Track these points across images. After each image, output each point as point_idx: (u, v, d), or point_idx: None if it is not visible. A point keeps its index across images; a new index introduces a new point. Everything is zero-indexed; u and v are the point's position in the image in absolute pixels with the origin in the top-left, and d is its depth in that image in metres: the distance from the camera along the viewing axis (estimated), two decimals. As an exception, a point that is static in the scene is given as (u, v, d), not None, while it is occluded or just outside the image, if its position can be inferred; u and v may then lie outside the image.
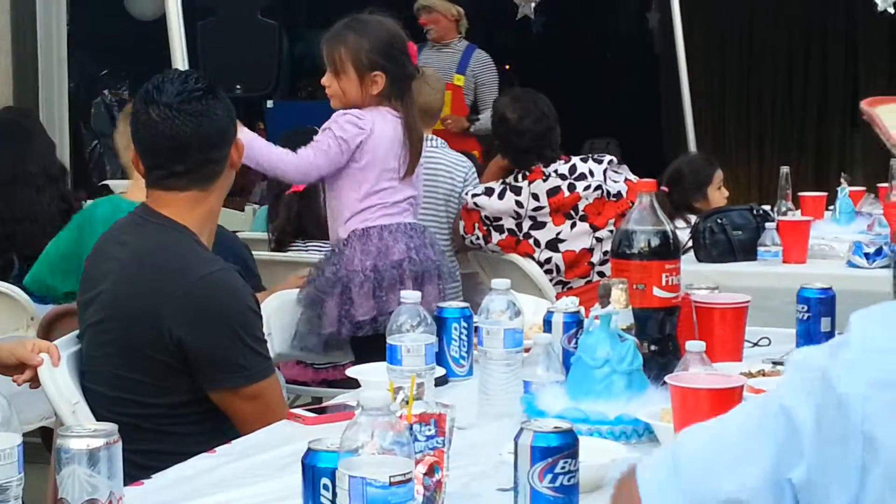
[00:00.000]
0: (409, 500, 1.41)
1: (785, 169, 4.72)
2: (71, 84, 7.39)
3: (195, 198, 2.45)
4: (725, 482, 1.16)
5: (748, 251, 4.26)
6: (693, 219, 4.51)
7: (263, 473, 1.94)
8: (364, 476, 1.37)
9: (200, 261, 2.40)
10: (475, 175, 4.50)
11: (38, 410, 3.29)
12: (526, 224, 4.05)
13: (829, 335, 2.75)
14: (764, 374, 2.43)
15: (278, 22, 8.14)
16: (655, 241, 2.38)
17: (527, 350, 2.35)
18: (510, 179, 4.11)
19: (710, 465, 1.18)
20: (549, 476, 1.59)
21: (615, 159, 4.12)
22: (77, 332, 2.50)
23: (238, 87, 7.83)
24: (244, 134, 2.82)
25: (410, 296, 2.21)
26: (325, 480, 1.50)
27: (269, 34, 8.03)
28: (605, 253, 3.95)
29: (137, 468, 1.86)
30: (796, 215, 4.58)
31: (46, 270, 3.62)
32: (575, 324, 2.44)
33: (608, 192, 4.00)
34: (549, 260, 4.03)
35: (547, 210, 4.04)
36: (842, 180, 4.67)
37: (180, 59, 3.87)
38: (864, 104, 1.35)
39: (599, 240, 3.98)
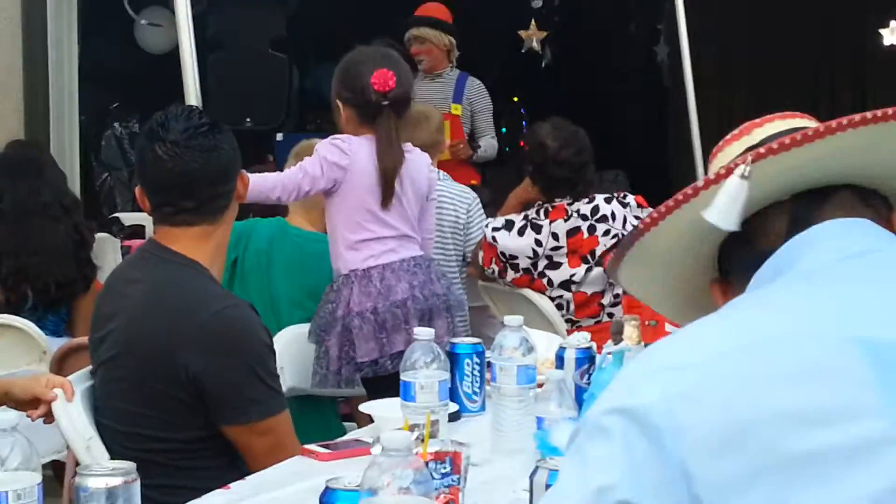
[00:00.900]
0: (427, 539, 1.41)
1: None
2: (81, 117, 7.42)
3: (204, 232, 2.47)
4: None
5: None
6: None
7: (278, 510, 1.94)
8: (383, 516, 1.37)
9: (213, 296, 2.41)
10: (479, 207, 4.48)
11: (51, 444, 3.31)
12: (542, 263, 4.02)
13: None
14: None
15: (288, 55, 8.19)
16: (668, 278, 2.39)
17: (539, 385, 2.36)
18: (532, 214, 4.06)
19: None
20: (565, 514, 1.59)
21: (640, 203, 4.05)
22: (90, 367, 2.51)
23: (248, 120, 7.88)
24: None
25: (424, 332, 2.22)
26: (342, 519, 1.50)
27: (279, 68, 8.08)
28: (615, 295, 3.93)
29: (152, 503, 1.87)
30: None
31: None
32: (587, 359, 2.45)
33: None
34: (560, 297, 4.02)
35: (564, 251, 4.00)
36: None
37: (193, 92, 3.89)
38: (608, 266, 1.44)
39: (612, 283, 3.97)
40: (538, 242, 4.00)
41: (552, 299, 4.04)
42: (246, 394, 2.34)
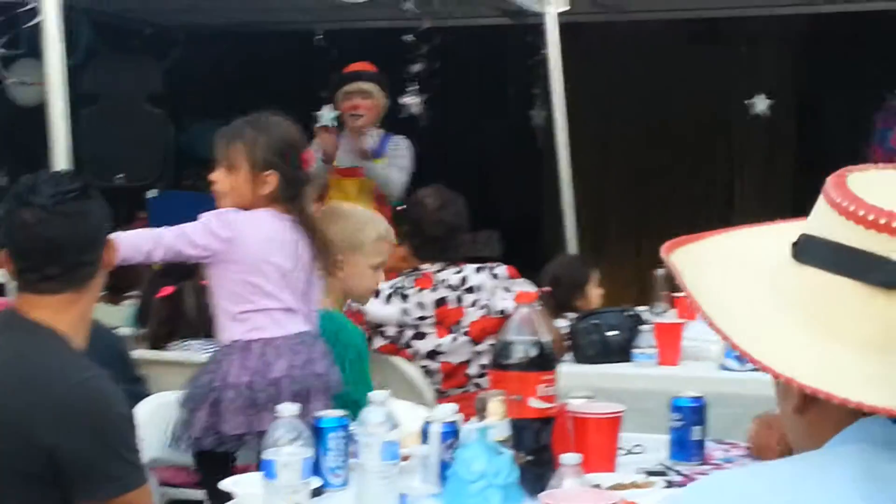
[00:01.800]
0: None
1: (660, 271, 4.81)
2: (-52, 169, 7.26)
3: (68, 300, 2.42)
4: None
5: (623, 352, 4.34)
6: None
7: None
8: None
9: (72, 367, 2.36)
10: None
11: None
12: (408, 333, 4.02)
13: (700, 443, 2.81)
14: (636, 486, 2.47)
15: (164, 110, 8.11)
16: (533, 352, 2.42)
17: (405, 458, 2.36)
18: (399, 282, 4.06)
19: None
20: None
21: (511, 275, 4.06)
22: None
23: (120, 176, 7.76)
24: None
25: (287, 409, 2.20)
26: None
27: (155, 123, 8.00)
28: (482, 366, 3.94)
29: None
30: (672, 316, 4.66)
31: None
32: (452, 434, 2.45)
33: (493, 309, 3.98)
34: (426, 366, 4.02)
35: (432, 321, 4.00)
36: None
37: (62, 147, 3.83)
38: (663, 251, 1.34)
39: (478, 353, 3.98)
40: (404, 311, 4.00)
41: (420, 367, 4.04)
42: (104, 469, 2.29)
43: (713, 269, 1.28)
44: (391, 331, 4.02)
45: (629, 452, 2.84)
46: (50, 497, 2.29)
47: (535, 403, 2.41)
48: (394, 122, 6.49)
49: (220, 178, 3.32)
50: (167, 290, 4.01)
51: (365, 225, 3.72)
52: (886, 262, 1.14)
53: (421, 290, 4.00)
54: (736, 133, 9.87)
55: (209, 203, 3.39)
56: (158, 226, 3.40)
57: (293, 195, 3.31)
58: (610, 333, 4.31)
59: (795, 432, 1.26)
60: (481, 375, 3.94)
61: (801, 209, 1.35)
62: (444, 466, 2.34)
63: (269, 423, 3.05)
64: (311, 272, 3.36)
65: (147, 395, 3.42)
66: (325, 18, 8.14)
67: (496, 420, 2.28)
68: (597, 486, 2.42)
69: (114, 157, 7.77)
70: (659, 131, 10.08)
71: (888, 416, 1.15)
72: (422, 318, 3.99)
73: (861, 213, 1.16)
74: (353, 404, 3.17)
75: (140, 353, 4.06)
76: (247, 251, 3.25)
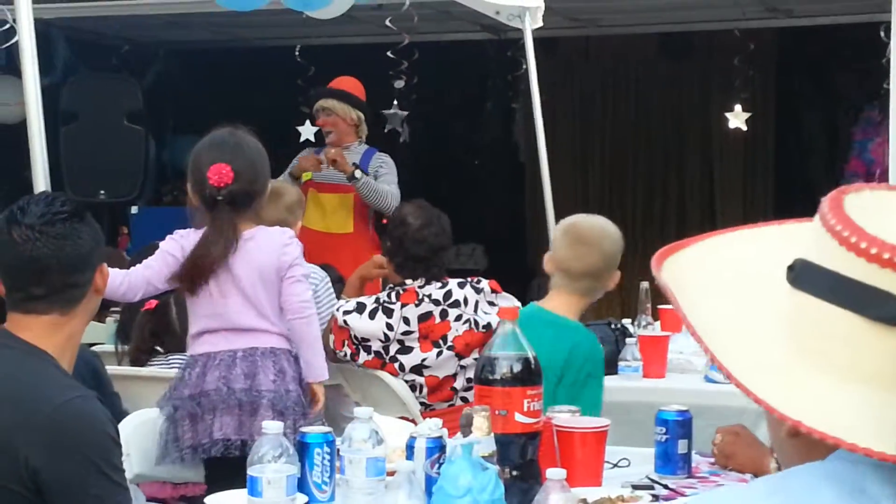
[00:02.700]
0: None
1: (644, 284, 4.82)
2: (-74, 187, 7.23)
3: (56, 322, 2.41)
4: None
5: (609, 365, 4.33)
6: None
7: None
8: None
9: (58, 388, 2.35)
10: (328, 286, 4.44)
11: None
12: (393, 348, 4.01)
13: (686, 457, 2.82)
14: (623, 500, 2.47)
15: (144, 127, 8.11)
16: (518, 367, 2.42)
17: (391, 474, 2.36)
18: (383, 297, 4.05)
19: None
20: None
21: (494, 288, 4.05)
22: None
23: (102, 192, 7.76)
24: None
25: (272, 426, 2.20)
26: None
27: (136, 140, 7.99)
28: (468, 380, 3.94)
29: None
30: (656, 329, 4.68)
31: None
32: (438, 449, 2.45)
33: (477, 323, 3.98)
34: (412, 380, 4.02)
35: (416, 335, 3.99)
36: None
37: (41, 164, 3.83)
38: (654, 267, 1.30)
39: (463, 367, 3.98)
40: (389, 326, 3.99)
41: (405, 382, 4.04)
42: (87, 490, 2.28)
43: (707, 290, 1.25)
44: (377, 345, 4.02)
45: (615, 466, 2.85)
46: (34, 518, 2.28)
47: (520, 418, 2.41)
48: (376, 136, 6.50)
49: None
50: (151, 303, 4.01)
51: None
52: (888, 297, 1.12)
53: (405, 304, 3.99)
54: (713, 146, 9.91)
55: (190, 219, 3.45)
56: (141, 241, 3.46)
57: (208, 209, 3.33)
58: (597, 347, 4.30)
59: (788, 456, 1.24)
60: (468, 389, 3.94)
61: (780, 219, 1.32)
62: (430, 482, 2.34)
63: (204, 437, 3.24)
64: (270, 281, 3.35)
65: (123, 413, 3.43)
66: (305, 35, 8.16)
67: (481, 435, 2.28)
68: (583, 500, 2.42)
69: (95, 173, 7.77)
70: (637, 144, 10.13)
71: None
72: (406, 333, 3.99)
73: (863, 245, 1.13)
74: None
75: (121, 369, 4.05)
76: None
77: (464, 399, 3.93)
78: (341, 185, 5.98)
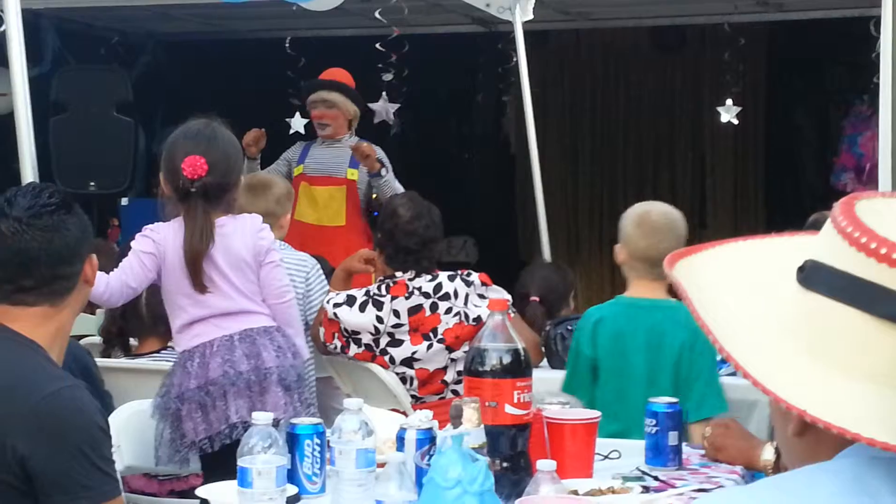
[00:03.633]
0: None
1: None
2: (-85, 178, 7.20)
3: (45, 313, 2.42)
4: None
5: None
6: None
7: None
8: None
9: (47, 377, 2.35)
10: (319, 274, 4.43)
11: None
12: (383, 340, 4.00)
13: (677, 448, 2.82)
14: (613, 492, 2.47)
15: (134, 119, 8.08)
16: (507, 359, 2.42)
17: (381, 465, 2.36)
18: (374, 290, 4.04)
19: None
20: None
21: (484, 281, 4.05)
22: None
23: (91, 184, 7.73)
24: None
25: (261, 417, 2.20)
26: None
27: (125, 131, 7.96)
28: (458, 372, 3.93)
29: None
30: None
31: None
32: (428, 440, 2.45)
33: (467, 316, 3.97)
34: (402, 373, 4.01)
35: (406, 328, 3.99)
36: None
37: (28, 156, 3.81)
38: (666, 264, 1.34)
39: (454, 360, 3.97)
40: (379, 319, 3.98)
41: (396, 374, 4.03)
42: (77, 479, 2.27)
43: (718, 288, 1.28)
44: (367, 338, 4.01)
45: (606, 458, 2.85)
46: (24, 507, 2.27)
47: (510, 410, 2.41)
48: (366, 128, 6.49)
49: None
50: None
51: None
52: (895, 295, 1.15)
53: (395, 297, 3.99)
54: (704, 139, 9.92)
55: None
56: (131, 232, 3.44)
57: (181, 200, 3.33)
58: (584, 339, 4.30)
59: (793, 454, 1.26)
60: (458, 382, 3.94)
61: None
62: (420, 473, 2.34)
63: (220, 424, 3.22)
64: (248, 267, 3.37)
65: (111, 407, 3.43)
66: (295, 26, 8.14)
67: (471, 427, 2.28)
68: (574, 491, 2.42)
69: (85, 165, 7.74)
70: (627, 138, 10.12)
71: None
72: (397, 326, 3.98)
73: (872, 245, 1.15)
74: None
75: (110, 361, 4.05)
76: (173, 262, 3.33)
77: (454, 392, 3.93)
78: (333, 177, 5.97)
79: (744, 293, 1.27)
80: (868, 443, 1.13)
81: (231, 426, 3.25)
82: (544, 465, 2.20)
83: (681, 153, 10.04)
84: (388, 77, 7.13)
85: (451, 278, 4.01)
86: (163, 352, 4.01)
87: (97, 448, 2.31)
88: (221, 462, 3.15)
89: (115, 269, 3.31)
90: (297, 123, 6.69)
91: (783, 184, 9.50)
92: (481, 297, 3.98)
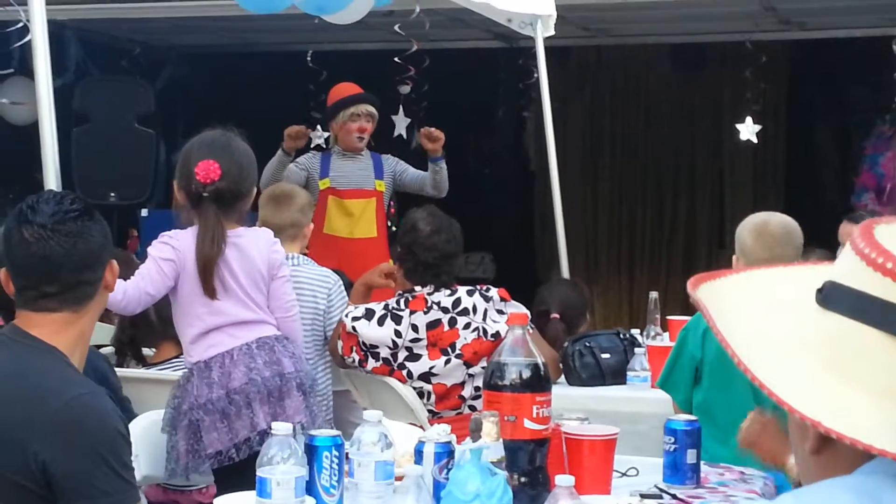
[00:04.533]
0: None
1: (653, 294, 4.82)
2: (-62, 187, 7.24)
3: (67, 319, 2.42)
4: None
5: (617, 374, 4.33)
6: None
7: None
8: None
9: (69, 383, 2.35)
10: (341, 290, 4.45)
11: None
12: (401, 354, 3.99)
13: (695, 466, 2.81)
14: (631, 508, 2.46)
15: (155, 130, 8.11)
16: (527, 374, 2.42)
17: (399, 478, 2.35)
18: (392, 304, 4.03)
19: None
20: None
21: (503, 297, 4.04)
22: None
23: (112, 194, 7.77)
24: None
25: (281, 427, 2.20)
26: None
27: (146, 142, 8.00)
28: (476, 388, 3.93)
29: None
30: (665, 339, 4.67)
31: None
32: (446, 454, 2.45)
33: (486, 332, 3.97)
34: (420, 388, 4.01)
35: (424, 343, 3.98)
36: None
37: (52, 166, 3.83)
38: (689, 286, 1.37)
39: (472, 375, 3.97)
40: (397, 333, 3.97)
41: (413, 389, 4.02)
42: (97, 485, 2.28)
43: (740, 309, 1.31)
44: (385, 352, 4.00)
45: (624, 475, 2.84)
46: (43, 512, 2.28)
47: (529, 424, 2.41)
48: (384, 142, 6.51)
49: None
50: None
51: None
52: None
53: (414, 311, 3.98)
54: (724, 157, 9.90)
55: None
56: (150, 243, 3.44)
57: (194, 206, 3.33)
58: (604, 356, 4.30)
59: (810, 472, 1.28)
60: (476, 397, 3.93)
61: None
62: (438, 486, 2.34)
63: (245, 432, 3.21)
64: (261, 278, 3.38)
65: (132, 415, 3.42)
66: (316, 40, 8.17)
67: (490, 441, 2.27)
68: (591, 507, 2.41)
69: (106, 175, 7.78)
70: (647, 155, 10.11)
71: None
72: (415, 340, 3.98)
73: (889, 265, 1.18)
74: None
75: (127, 371, 4.06)
76: (190, 269, 3.32)
77: (472, 407, 3.92)
78: (363, 189, 5.97)
79: (764, 314, 1.30)
80: (880, 453, 1.14)
81: (261, 433, 3.24)
82: (563, 480, 2.20)
83: (700, 171, 10.03)
84: (404, 90, 7.14)
85: (470, 293, 4.00)
86: (180, 357, 4.01)
87: (118, 454, 2.31)
88: (236, 474, 3.16)
89: (131, 277, 3.31)
90: (320, 136, 6.70)
91: (803, 202, 9.48)
92: (500, 312, 3.97)
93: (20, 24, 3.86)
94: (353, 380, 4.29)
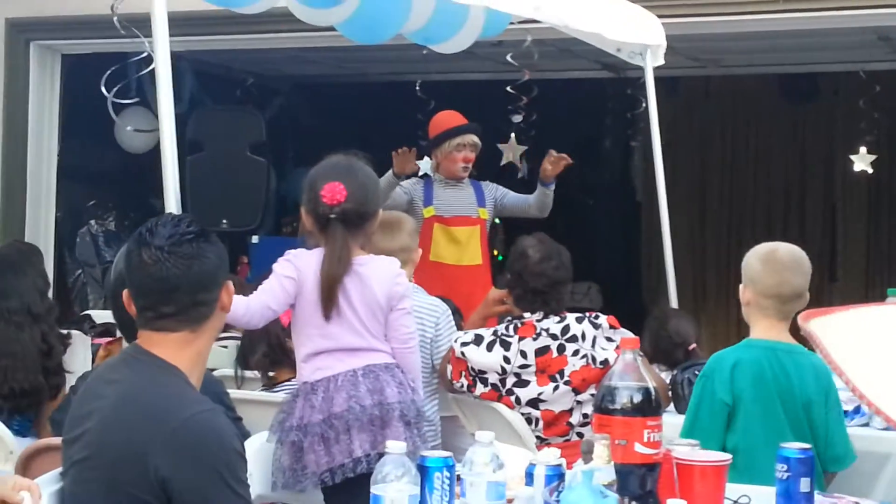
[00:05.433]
0: None
1: (764, 323, 4.74)
2: (57, 213, 7.45)
3: (185, 339, 2.49)
4: None
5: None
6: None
7: None
8: None
9: (188, 401, 2.41)
10: (449, 319, 4.46)
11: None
12: (510, 380, 4.01)
13: (809, 495, 2.77)
14: (744, 536, 2.44)
15: (267, 159, 8.26)
16: (638, 398, 2.42)
17: (509, 501, 2.36)
18: (501, 330, 4.06)
19: None
20: None
21: (612, 324, 4.03)
22: (59, 469, 2.50)
23: (224, 221, 7.92)
24: None
25: (395, 446, 2.22)
26: None
27: (258, 171, 8.15)
28: (584, 415, 3.92)
29: None
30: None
31: None
32: (557, 477, 2.45)
33: (594, 359, 3.96)
34: (528, 414, 4.01)
35: (533, 369, 3.99)
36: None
37: (173, 194, 3.91)
38: (800, 319, 1.37)
39: (580, 402, 3.96)
40: (506, 359, 3.99)
41: (521, 415, 4.03)
42: (213, 500, 2.33)
43: (857, 342, 1.31)
44: (493, 377, 4.02)
45: (735, 503, 2.81)
46: (162, 526, 2.33)
47: (640, 449, 2.40)
48: (492, 171, 6.54)
49: None
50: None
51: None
52: None
53: (523, 338, 3.99)
54: (837, 189, 9.75)
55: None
56: (261, 270, 3.49)
57: (320, 230, 3.36)
58: (713, 384, 4.25)
59: None
60: (583, 424, 3.92)
61: None
62: (549, 509, 2.34)
63: (342, 457, 3.24)
64: (379, 309, 3.39)
65: (245, 435, 3.48)
66: (425, 70, 8.25)
67: (601, 463, 2.27)
68: (703, 534, 2.39)
69: (218, 203, 7.94)
70: (757, 186, 10.00)
71: None
72: (523, 367, 3.99)
73: None
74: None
75: (239, 393, 4.12)
76: (310, 290, 3.35)
77: (580, 434, 3.92)
78: (468, 217, 6.02)
79: (884, 347, 1.28)
80: None
81: (355, 460, 3.28)
82: (674, 504, 2.19)
83: (812, 202, 9.89)
84: (516, 119, 7.17)
85: (580, 320, 4.00)
86: (294, 381, 4.07)
87: (234, 471, 2.36)
88: (344, 493, 3.19)
89: (254, 292, 3.37)
90: (425, 165, 6.76)
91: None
92: (609, 339, 3.97)
93: (143, 55, 3.96)
94: (461, 405, 4.31)
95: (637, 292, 10.11)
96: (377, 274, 3.41)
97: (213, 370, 4.38)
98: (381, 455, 3.16)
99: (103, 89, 4.54)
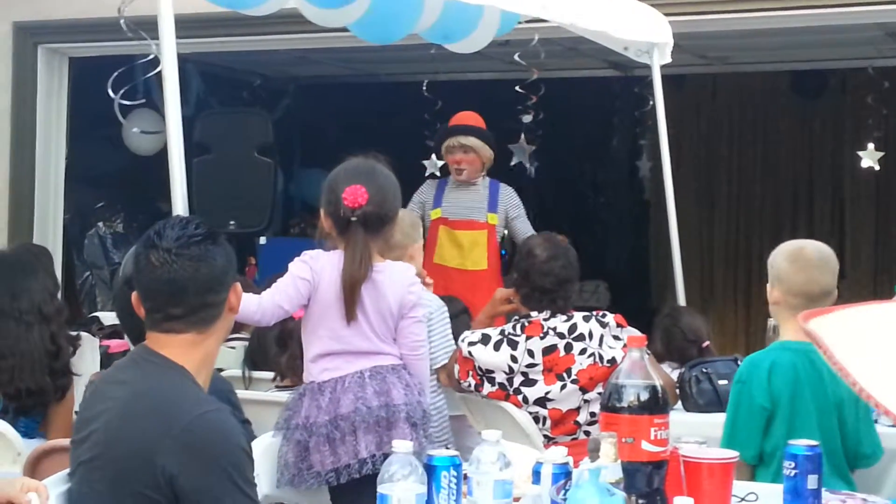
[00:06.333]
0: None
1: (771, 321, 4.74)
2: (66, 215, 7.47)
3: (193, 340, 2.49)
4: None
5: (735, 402, 4.26)
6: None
7: None
8: None
9: (195, 400, 2.42)
10: (443, 316, 4.40)
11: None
12: (517, 380, 4.01)
13: (817, 493, 2.77)
14: (751, 533, 2.44)
15: (273, 160, 8.27)
16: (644, 396, 2.42)
17: (516, 500, 2.37)
18: (508, 329, 4.06)
19: None
20: None
21: (619, 323, 4.02)
22: (67, 470, 2.50)
23: (231, 223, 7.93)
24: None
25: (402, 445, 2.23)
26: None
27: (265, 172, 8.16)
28: (591, 414, 3.92)
29: None
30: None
31: None
32: (564, 475, 2.45)
33: (602, 357, 3.96)
34: (535, 412, 4.01)
35: (540, 368, 3.99)
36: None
37: (180, 196, 3.92)
38: (800, 319, 1.37)
39: (587, 401, 3.96)
40: (513, 358, 3.99)
41: (528, 413, 4.03)
42: (220, 499, 2.34)
43: (858, 340, 1.33)
44: (501, 377, 4.02)
45: (743, 500, 2.81)
46: (169, 525, 2.34)
47: (647, 446, 2.40)
48: (501, 171, 6.53)
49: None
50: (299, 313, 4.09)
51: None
52: None
53: (530, 337, 3.99)
54: (844, 185, 9.73)
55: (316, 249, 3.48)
56: (269, 271, 3.49)
57: (340, 232, 3.36)
58: (721, 382, 4.25)
59: None
60: (591, 423, 3.92)
61: None
62: (556, 508, 2.34)
63: (348, 458, 3.23)
64: (391, 316, 3.39)
65: (252, 436, 3.48)
66: (432, 70, 8.25)
67: (608, 462, 2.27)
68: (711, 531, 2.39)
69: (225, 204, 7.95)
70: (764, 183, 9.98)
71: None
72: (531, 366, 3.99)
73: None
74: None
75: (246, 393, 4.13)
76: (322, 292, 3.35)
77: (587, 433, 3.91)
78: (474, 221, 6.00)
79: (886, 344, 1.29)
80: None
81: (360, 461, 3.28)
82: (681, 501, 2.19)
83: (819, 199, 9.87)
84: (526, 119, 7.16)
85: (587, 319, 4.00)
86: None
87: (241, 470, 2.37)
88: (350, 492, 3.19)
89: (267, 290, 3.37)
90: (433, 165, 6.76)
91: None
92: (616, 338, 3.96)
93: (150, 57, 3.96)
94: (468, 404, 4.31)
95: (645, 290, 10.10)
96: (391, 281, 3.41)
97: (221, 370, 4.40)
98: (386, 456, 3.20)
99: (110, 92, 4.54)
